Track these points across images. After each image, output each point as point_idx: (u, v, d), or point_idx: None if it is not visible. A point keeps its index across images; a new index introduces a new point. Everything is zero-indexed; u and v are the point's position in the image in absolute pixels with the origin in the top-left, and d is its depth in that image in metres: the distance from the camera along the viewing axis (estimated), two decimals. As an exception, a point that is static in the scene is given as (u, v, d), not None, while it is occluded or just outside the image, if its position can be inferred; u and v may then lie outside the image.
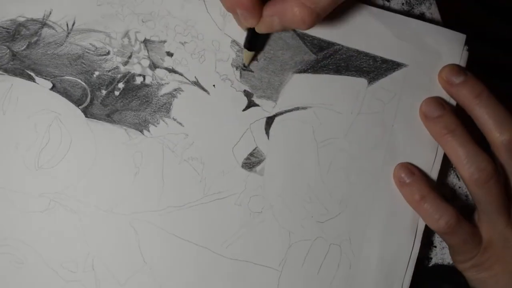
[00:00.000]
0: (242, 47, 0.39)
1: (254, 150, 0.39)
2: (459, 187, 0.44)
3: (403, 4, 0.42)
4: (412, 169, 0.39)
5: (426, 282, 0.42)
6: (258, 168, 0.39)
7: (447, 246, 0.42)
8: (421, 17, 0.43)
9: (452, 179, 0.44)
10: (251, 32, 0.37)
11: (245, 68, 0.39)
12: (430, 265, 0.44)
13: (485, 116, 0.38)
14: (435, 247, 0.44)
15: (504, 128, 0.37)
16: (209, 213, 0.38)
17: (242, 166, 0.39)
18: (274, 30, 0.36)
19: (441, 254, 0.44)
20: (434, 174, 0.41)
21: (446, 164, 0.42)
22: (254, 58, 0.39)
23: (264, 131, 0.39)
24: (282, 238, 0.39)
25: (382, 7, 0.41)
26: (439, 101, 0.39)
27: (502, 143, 0.37)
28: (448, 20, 0.43)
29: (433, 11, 0.43)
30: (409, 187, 0.39)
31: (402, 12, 0.42)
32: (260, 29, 0.35)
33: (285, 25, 0.34)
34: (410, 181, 0.39)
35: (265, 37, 0.39)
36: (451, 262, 0.43)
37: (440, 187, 0.44)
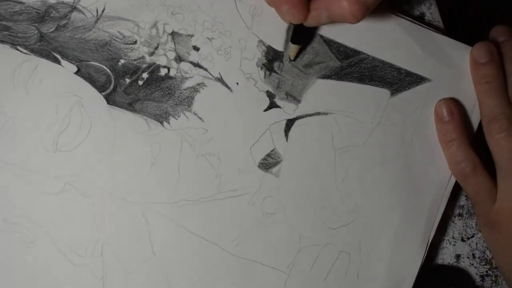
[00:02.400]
0: (289, 41, 0.38)
1: (272, 151, 0.39)
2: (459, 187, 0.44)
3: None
4: (452, 108, 0.40)
5: (427, 283, 0.42)
6: (274, 169, 0.39)
7: (447, 246, 0.43)
8: (421, 17, 0.43)
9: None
10: (297, 26, 0.36)
11: (291, 61, 0.39)
12: (430, 265, 0.43)
13: (488, 100, 0.39)
14: (435, 247, 0.44)
15: (497, 114, 0.39)
16: (222, 210, 0.38)
17: (259, 166, 0.39)
18: (322, 24, 0.35)
19: (441, 254, 0.44)
20: (447, 193, 0.41)
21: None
22: (300, 52, 0.39)
23: (283, 133, 0.39)
24: (292, 241, 0.39)
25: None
26: (489, 48, 0.40)
27: (488, 127, 0.39)
28: (448, 19, 0.43)
29: (433, 11, 0.43)
30: (445, 125, 0.40)
31: (402, 11, 0.42)
32: (308, 23, 0.35)
33: (333, 19, 0.34)
34: (448, 120, 0.40)
35: (312, 30, 0.39)
36: (451, 262, 0.43)
37: (454, 208, 0.44)
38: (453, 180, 0.41)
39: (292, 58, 0.39)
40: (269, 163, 0.39)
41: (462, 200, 0.44)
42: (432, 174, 0.40)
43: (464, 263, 0.44)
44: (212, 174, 0.39)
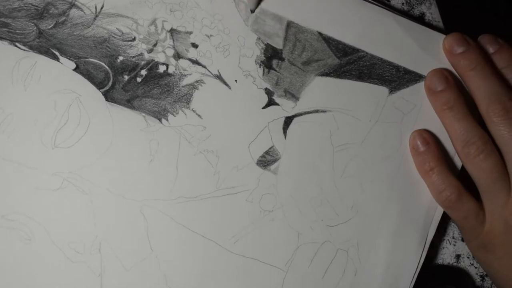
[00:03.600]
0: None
1: (270, 148, 0.39)
2: None
3: (403, 4, 0.42)
4: (427, 138, 0.39)
5: (426, 283, 0.42)
6: (272, 166, 0.39)
7: (447, 246, 0.42)
8: (421, 17, 0.43)
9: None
10: None
11: (252, 12, 0.38)
12: (430, 265, 0.43)
13: (479, 86, 0.38)
14: (435, 247, 0.44)
15: (492, 99, 0.37)
16: (220, 207, 0.38)
17: (257, 163, 0.39)
18: None
19: (441, 254, 0.44)
20: None
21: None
22: (260, 2, 0.38)
23: (281, 131, 0.39)
24: (290, 238, 0.39)
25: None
26: (443, 75, 0.39)
27: (488, 114, 0.38)
28: (448, 19, 0.43)
29: (433, 11, 0.43)
30: (422, 155, 0.39)
31: (402, 12, 0.42)
32: None
33: None
34: (424, 150, 0.39)
35: None
36: (451, 262, 0.43)
37: None
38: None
39: (252, 7, 0.38)
40: (267, 160, 0.39)
41: None
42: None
43: (464, 263, 0.44)
44: (210, 171, 0.39)
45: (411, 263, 0.40)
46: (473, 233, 0.39)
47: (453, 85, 0.39)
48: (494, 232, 0.38)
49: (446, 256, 0.44)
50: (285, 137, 0.39)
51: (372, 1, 0.40)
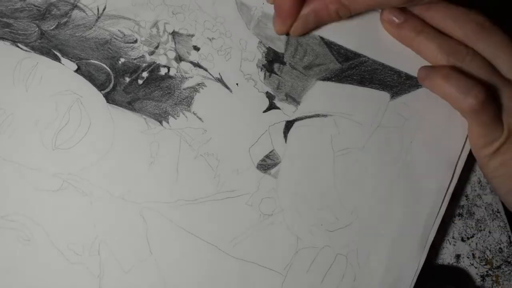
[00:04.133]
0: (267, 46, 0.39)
1: (270, 152, 0.39)
2: (460, 187, 0.44)
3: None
4: (403, 11, 0.38)
5: (426, 283, 0.42)
6: (272, 170, 0.39)
7: (447, 246, 0.43)
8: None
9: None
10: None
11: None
12: (430, 265, 0.43)
13: (431, 45, 0.38)
14: (435, 247, 0.44)
15: (444, 51, 0.37)
16: (220, 210, 0.38)
17: (257, 167, 0.39)
18: (308, 29, 0.38)
19: (441, 254, 0.44)
20: (447, 198, 0.40)
21: (462, 187, 0.42)
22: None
23: (282, 135, 0.39)
24: (289, 242, 0.39)
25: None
26: (399, 9, 0.38)
27: (449, 63, 0.37)
28: None
29: None
30: (402, 26, 0.38)
31: None
32: (295, 29, 0.37)
33: (320, 21, 0.38)
34: (403, 20, 0.38)
35: None
36: (451, 262, 0.43)
37: (454, 208, 0.44)
38: (452, 185, 0.41)
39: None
40: (267, 164, 0.39)
41: (462, 200, 0.44)
42: (431, 178, 0.40)
43: (464, 263, 0.44)
44: (210, 174, 0.39)
45: (410, 268, 0.40)
46: (495, 135, 0.37)
47: (412, 14, 0.38)
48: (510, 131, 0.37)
49: (446, 256, 0.44)
50: (285, 141, 0.39)
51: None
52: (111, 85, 0.38)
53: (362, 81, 0.40)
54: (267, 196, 0.39)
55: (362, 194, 0.40)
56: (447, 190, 0.40)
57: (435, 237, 0.42)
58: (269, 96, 0.39)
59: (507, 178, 0.39)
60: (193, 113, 0.39)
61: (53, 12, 0.38)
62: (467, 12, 0.37)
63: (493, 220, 0.44)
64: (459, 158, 0.40)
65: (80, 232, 0.37)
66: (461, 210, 0.44)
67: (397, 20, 0.38)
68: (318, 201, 0.39)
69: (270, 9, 0.39)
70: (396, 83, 0.40)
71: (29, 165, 0.37)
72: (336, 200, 0.40)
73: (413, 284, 0.40)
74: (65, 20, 0.38)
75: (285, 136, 0.39)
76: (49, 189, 0.37)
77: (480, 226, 0.44)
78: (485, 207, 0.44)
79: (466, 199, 0.44)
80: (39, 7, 0.38)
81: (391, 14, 0.38)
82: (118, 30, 0.38)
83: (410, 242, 0.40)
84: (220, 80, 0.39)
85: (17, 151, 0.37)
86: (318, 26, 0.39)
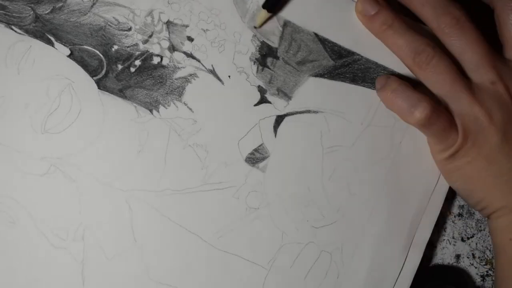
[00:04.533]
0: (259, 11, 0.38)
1: (259, 146, 0.39)
2: None
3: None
4: (377, 0, 0.38)
5: (426, 283, 0.42)
6: (261, 164, 0.39)
7: (447, 246, 0.42)
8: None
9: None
10: None
11: (255, 28, 0.39)
12: (430, 265, 0.43)
13: (399, 41, 0.38)
14: (435, 247, 0.44)
15: (412, 49, 0.37)
16: (206, 202, 0.38)
17: (246, 160, 0.39)
18: None
19: (441, 254, 0.44)
20: (435, 199, 0.40)
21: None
22: (267, 20, 0.38)
23: (272, 129, 0.39)
24: (274, 237, 0.39)
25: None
26: (373, 0, 0.38)
27: (439, 29, 0.37)
28: None
29: None
30: (375, 18, 0.38)
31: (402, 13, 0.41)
32: None
33: None
34: (376, 12, 0.38)
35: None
36: (451, 262, 0.43)
37: (454, 208, 0.44)
38: (440, 186, 0.41)
39: (258, 25, 0.38)
40: (256, 158, 0.39)
41: (462, 200, 0.44)
42: (418, 178, 0.40)
43: (464, 263, 0.44)
44: (198, 165, 0.38)
45: (394, 268, 0.40)
46: (449, 142, 0.38)
47: (386, 6, 0.38)
48: (467, 133, 0.37)
49: (446, 256, 0.44)
50: (275, 135, 0.39)
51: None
52: (103, 72, 0.38)
53: (354, 79, 0.40)
54: (254, 190, 0.39)
55: (349, 192, 0.40)
56: (432, 191, 0.40)
57: (435, 237, 0.43)
58: (261, 90, 0.39)
59: (463, 182, 0.39)
60: (184, 103, 0.39)
61: (48, -4, 0.38)
62: (447, 4, 0.37)
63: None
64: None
65: (65, 217, 0.37)
66: (461, 210, 0.44)
67: (370, 12, 0.38)
68: (305, 197, 0.39)
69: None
70: (388, 82, 0.40)
71: (17, 147, 0.37)
72: (323, 197, 0.39)
73: (398, 284, 0.40)
74: (61, 4, 0.38)
75: (275, 131, 0.39)
76: (36, 172, 0.37)
77: (480, 226, 0.44)
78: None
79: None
80: (35, -10, 0.38)
81: (365, 4, 0.38)
82: (113, 17, 0.38)
83: (396, 241, 0.40)
84: (212, 72, 0.39)
85: (6, 133, 0.37)
86: None
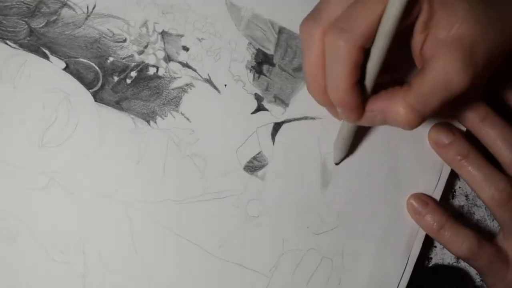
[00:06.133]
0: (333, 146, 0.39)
1: (258, 154, 0.39)
2: (459, 187, 0.44)
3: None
4: (425, 199, 0.39)
5: (426, 283, 0.42)
6: (260, 172, 0.39)
7: None
8: None
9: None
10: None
11: (336, 164, 0.40)
12: (430, 265, 0.43)
13: (476, 175, 0.38)
14: (435, 247, 0.44)
15: (491, 184, 0.38)
16: (206, 211, 0.38)
17: (244, 169, 0.39)
18: (374, 125, 0.36)
19: (441, 254, 0.44)
20: (436, 198, 0.41)
21: (448, 188, 0.42)
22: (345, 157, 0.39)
23: (270, 136, 0.39)
24: (275, 245, 0.39)
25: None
26: (448, 128, 0.39)
27: (493, 199, 0.38)
28: None
29: None
30: (426, 218, 0.39)
31: None
32: (361, 123, 0.34)
33: (387, 123, 0.33)
34: (426, 213, 0.39)
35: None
36: (451, 262, 0.43)
37: (454, 208, 0.44)
38: (440, 187, 0.41)
39: (337, 162, 0.39)
40: (254, 166, 0.39)
41: (462, 200, 0.44)
42: (417, 183, 0.40)
43: (464, 263, 0.44)
44: (197, 175, 0.38)
45: (396, 272, 0.40)
46: (499, 276, 0.39)
47: (459, 136, 0.39)
48: None
49: (446, 256, 0.44)
50: (273, 143, 0.39)
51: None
52: (99, 84, 0.38)
53: (351, 84, 0.40)
54: (253, 198, 0.39)
55: (349, 198, 0.40)
56: (433, 193, 0.40)
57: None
58: (258, 98, 0.39)
59: None
60: (181, 113, 0.39)
61: (42, 10, 0.38)
62: None
63: (493, 220, 0.44)
64: (444, 164, 0.40)
65: (65, 231, 0.37)
66: (461, 210, 0.44)
67: (444, 141, 0.39)
68: (305, 204, 0.39)
69: (260, 10, 0.39)
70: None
71: (15, 162, 0.37)
72: (322, 203, 0.39)
73: (400, 287, 0.40)
74: (55, 18, 0.38)
75: (273, 138, 0.39)
76: (35, 187, 0.37)
77: (480, 226, 0.44)
78: (485, 207, 0.44)
79: (466, 199, 0.44)
80: (28, 4, 0.37)
81: (439, 134, 0.39)
82: (108, 29, 0.38)
83: (396, 245, 0.40)
84: (208, 81, 0.39)
85: (3, 148, 0.37)
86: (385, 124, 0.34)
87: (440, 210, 0.39)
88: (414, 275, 0.40)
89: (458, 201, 0.44)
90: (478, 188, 0.38)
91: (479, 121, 0.38)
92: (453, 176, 0.43)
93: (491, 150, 0.39)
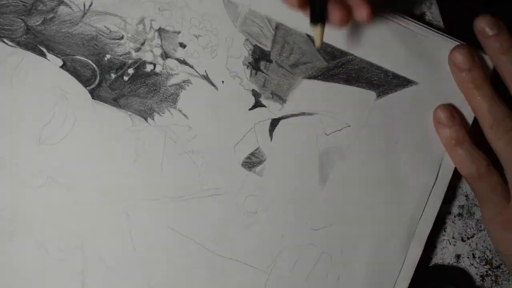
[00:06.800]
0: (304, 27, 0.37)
1: (255, 150, 0.39)
2: (459, 187, 0.44)
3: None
4: (453, 113, 0.40)
5: (426, 282, 0.42)
6: (257, 168, 0.39)
7: (447, 246, 0.42)
8: (422, 17, 0.43)
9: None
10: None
11: (320, 48, 0.37)
12: (430, 265, 0.43)
13: (482, 105, 0.38)
14: (435, 247, 0.44)
15: (496, 118, 0.38)
16: (204, 208, 0.38)
17: (242, 165, 0.39)
18: None
19: (441, 254, 0.44)
20: (434, 196, 0.40)
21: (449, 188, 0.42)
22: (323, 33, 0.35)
23: (268, 133, 0.39)
24: (274, 241, 0.39)
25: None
26: (470, 53, 0.39)
27: (491, 129, 0.38)
28: (449, 20, 0.43)
29: (433, 11, 0.43)
30: (448, 131, 0.39)
31: (402, 11, 0.41)
32: None
33: None
34: (450, 125, 0.39)
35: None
36: (451, 262, 0.43)
37: (454, 208, 0.44)
38: (439, 183, 0.41)
39: (318, 44, 0.35)
40: (252, 162, 0.39)
41: (462, 200, 0.44)
42: (416, 178, 0.40)
43: (464, 263, 0.44)
44: (195, 171, 0.38)
45: (394, 268, 0.40)
46: (497, 207, 0.39)
47: (478, 65, 0.39)
48: None
49: (446, 256, 0.44)
50: (271, 139, 0.39)
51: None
52: (96, 81, 0.38)
53: (348, 80, 0.40)
54: (251, 194, 0.39)
55: (347, 194, 0.40)
56: (430, 192, 0.40)
57: (435, 237, 0.43)
58: (255, 94, 0.39)
59: None
60: (179, 110, 0.39)
61: (39, 8, 0.38)
62: None
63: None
64: (442, 160, 0.40)
65: (63, 228, 0.37)
66: (461, 210, 0.44)
67: (463, 66, 0.39)
68: (303, 200, 0.39)
69: (257, 6, 0.39)
70: (382, 82, 0.40)
71: (13, 160, 0.37)
72: (320, 199, 0.39)
73: (398, 282, 0.40)
74: (51, 15, 0.38)
75: (271, 134, 0.39)
76: (34, 185, 0.37)
77: (480, 226, 0.44)
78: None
79: (466, 199, 0.44)
80: (25, 2, 0.37)
81: (462, 56, 0.39)
82: (104, 26, 0.38)
83: (394, 242, 0.40)
84: (206, 78, 0.39)
85: (2, 146, 0.37)
86: None
87: (464, 130, 0.39)
88: (414, 275, 0.40)
89: (458, 201, 0.44)
90: (481, 116, 0.39)
91: (501, 53, 0.38)
92: (454, 176, 0.43)
93: (506, 84, 0.39)
